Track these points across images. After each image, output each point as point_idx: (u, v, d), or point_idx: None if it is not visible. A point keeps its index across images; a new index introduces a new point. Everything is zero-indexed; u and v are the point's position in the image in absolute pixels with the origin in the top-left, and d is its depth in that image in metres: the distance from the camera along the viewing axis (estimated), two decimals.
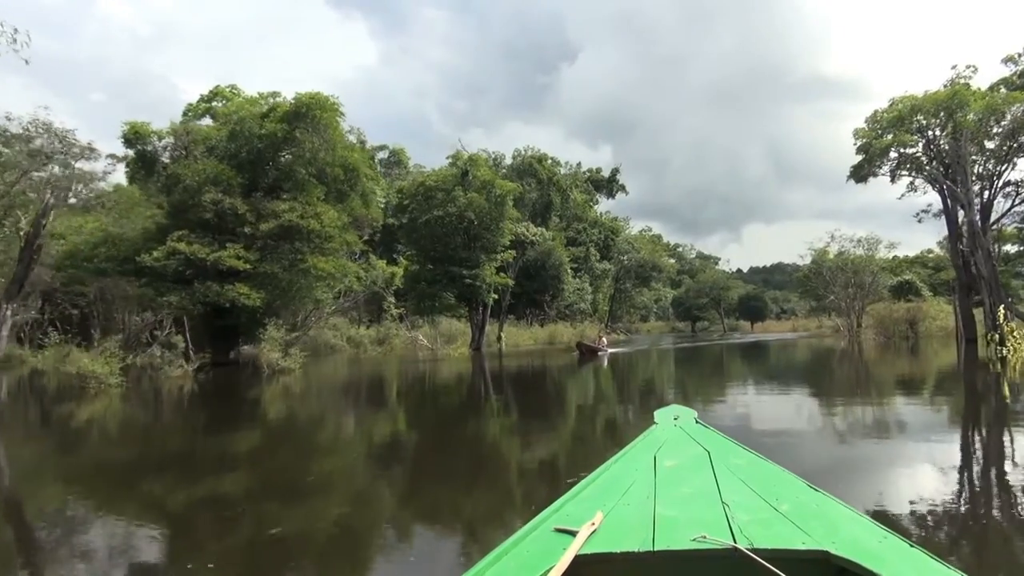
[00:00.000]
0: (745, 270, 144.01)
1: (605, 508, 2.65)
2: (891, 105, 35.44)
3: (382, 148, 68.35)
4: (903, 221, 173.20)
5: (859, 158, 37.37)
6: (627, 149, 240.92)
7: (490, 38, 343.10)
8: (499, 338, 48.84)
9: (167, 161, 28.38)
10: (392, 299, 48.41)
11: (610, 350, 34.16)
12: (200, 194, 26.32)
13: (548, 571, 2.10)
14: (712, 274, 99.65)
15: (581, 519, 2.50)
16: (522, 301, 58.92)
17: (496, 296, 42.16)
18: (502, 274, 41.16)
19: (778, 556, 2.13)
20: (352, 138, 31.56)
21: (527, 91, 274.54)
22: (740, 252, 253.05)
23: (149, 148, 27.82)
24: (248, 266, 26.36)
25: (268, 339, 23.75)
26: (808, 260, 68.72)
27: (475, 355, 36.57)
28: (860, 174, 37.28)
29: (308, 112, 28.07)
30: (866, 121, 36.83)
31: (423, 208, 39.61)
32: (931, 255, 65.10)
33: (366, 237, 47.55)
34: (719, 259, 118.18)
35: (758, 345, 42.95)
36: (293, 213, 27.32)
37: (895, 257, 56.39)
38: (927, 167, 33.88)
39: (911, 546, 2.28)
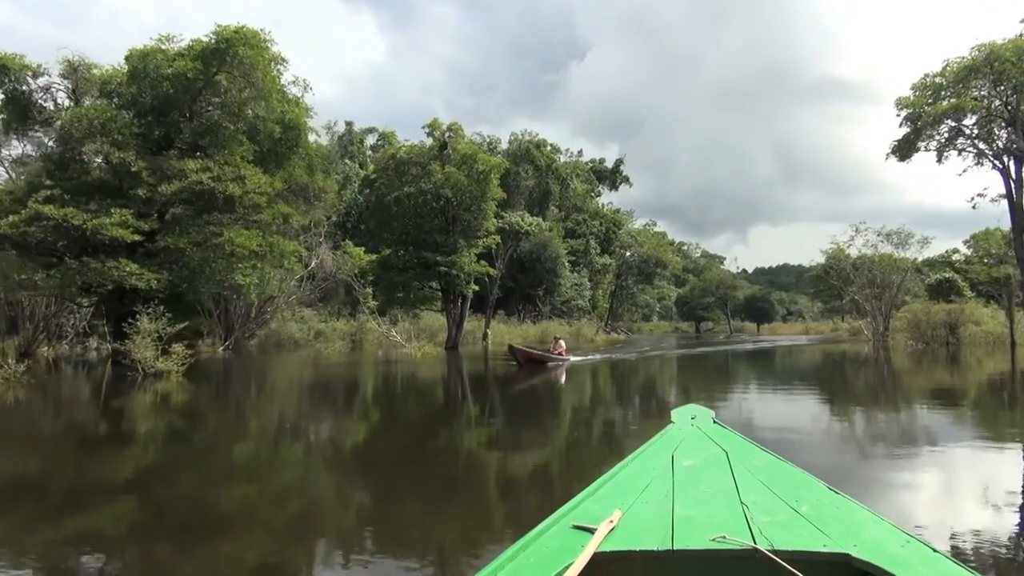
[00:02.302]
0: (750, 270, 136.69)
1: (623, 506, 2.50)
2: (945, 67, 28.59)
3: (371, 131, 61.83)
4: (913, 224, 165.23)
5: (903, 131, 30.58)
6: (634, 148, 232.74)
7: (499, 35, 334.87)
8: (484, 336, 42.22)
9: (49, 106, 21.82)
10: (369, 290, 41.80)
11: (572, 358, 23.49)
12: (82, 145, 19.86)
13: (567, 568, 1.99)
14: (718, 273, 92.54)
15: (599, 517, 2.37)
16: (514, 296, 52.29)
17: (477, 288, 35.47)
18: (483, 262, 34.38)
19: (798, 558, 2.02)
20: (296, 91, 24.86)
21: (535, 89, 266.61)
22: (746, 253, 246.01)
23: (23, 88, 21.21)
24: (138, 237, 19.82)
25: (140, 333, 17.05)
26: (823, 259, 62.41)
27: (450, 355, 30.01)
28: (905, 149, 30.45)
29: (230, 50, 21.49)
30: (913, 87, 29.97)
31: (394, 184, 32.99)
32: (957, 255, 58.04)
33: (332, 216, 41.24)
34: (724, 258, 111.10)
35: (776, 352, 35.48)
36: (205, 174, 20.74)
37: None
38: (998, 134, 26.94)
39: (934, 551, 2.12)
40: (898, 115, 30.47)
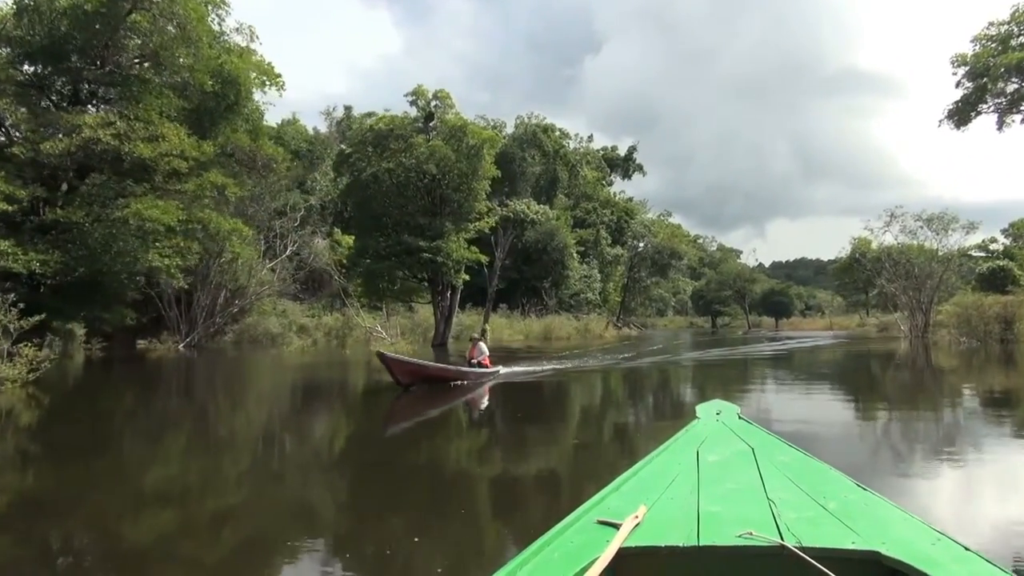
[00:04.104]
0: (767, 265, 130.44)
1: (648, 502, 2.37)
2: (1015, 12, 23.26)
3: (370, 116, 56.94)
4: None
5: (960, 93, 25.32)
6: (650, 142, 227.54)
7: (515, 29, 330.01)
8: (483, 332, 37.31)
9: None
10: (359, 280, 37.12)
11: (504, 369, 15.10)
12: None
13: (592, 563, 1.89)
14: (735, 266, 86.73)
15: (624, 512, 2.25)
16: (520, 288, 47.25)
17: (468, 277, 30.60)
18: (474, 248, 29.48)
19: (826, 555, 1.90)
20: (240, 39, 20.23)
21: (550, 84, 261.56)
22: (763, 247, 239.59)
23: None
24: (7, 207, 15.23)
25: None
26: (848, 249, 56.81)
27: (431, 354, 25.24)
28: (963, 113, 25.21)
29: None
30: (974, 39, 24.65)
31: (372, 160, 28.23)
32: (995, 244, 52.20)
33: (311, 200, 36.58)
34: (741, 252, 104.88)
35: (815, 353, 27.72)
36: (106, 130, 16.14)
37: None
38: None
39: (966, 549, 1.97)
40: (954, 74, 25.25)
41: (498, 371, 14.57)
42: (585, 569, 1.87)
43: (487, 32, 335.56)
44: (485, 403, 11.67)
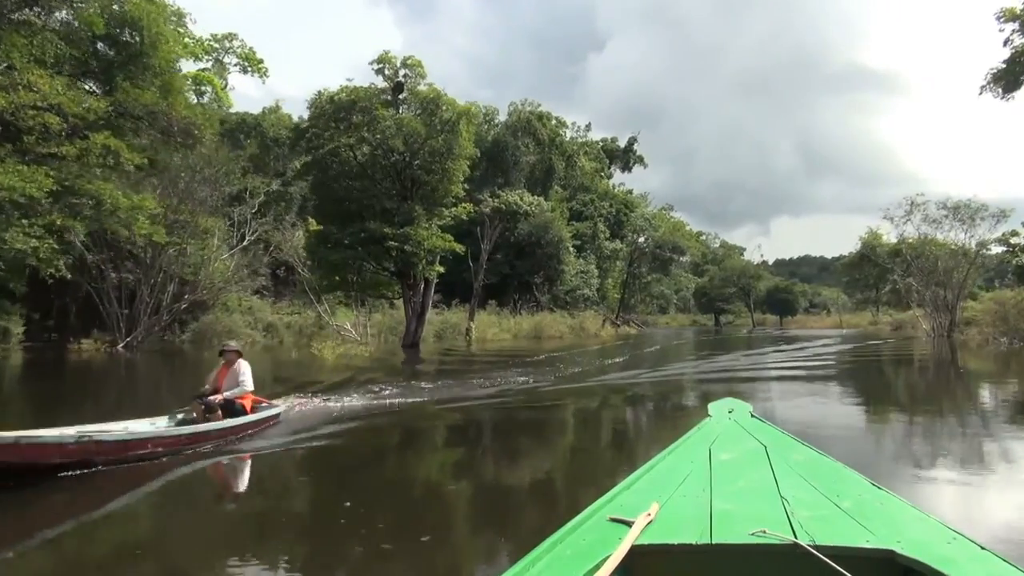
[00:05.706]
0: (771, 262, 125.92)
1: (660, 499, 2.27)
2: None
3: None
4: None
5: (1007, 53, 21.11)
6: (654, 139, 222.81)
7: (517, 26, 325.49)
8: (468, 331, 33.28)
9: None
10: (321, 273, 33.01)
11: (280, 408, 8.01)
12: None
13: (604, 560, 1.82)
14: (739, 262, 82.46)
15: (636, 510, 2.16)
16: (511, 284, 43.23)
17: (442, 269, 26.49)
18: (448, 236, 25.33)
19: (840, 554, 1.81)
20: None
21: (554, 80, 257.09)
22: (766, 244, 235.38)
23: None
24: None
25: None
26: (858, 245, 52.75)
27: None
28: (1012, 77, 21.00)
29: None
30: None
31: (332, 135, 24.23)
32: (1016, 237, 47.72)
33: (272, 183, 32.54)
34: (744, 249, 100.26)
35: (860, 363, 20.22)
36: None
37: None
38: None
39: (982, 548, 1.88)
40: (1000, 30, 21.04)
41: (275, 416, 7.73)
42: (597, 567, 1.80)
43: (490, 29, 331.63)
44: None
